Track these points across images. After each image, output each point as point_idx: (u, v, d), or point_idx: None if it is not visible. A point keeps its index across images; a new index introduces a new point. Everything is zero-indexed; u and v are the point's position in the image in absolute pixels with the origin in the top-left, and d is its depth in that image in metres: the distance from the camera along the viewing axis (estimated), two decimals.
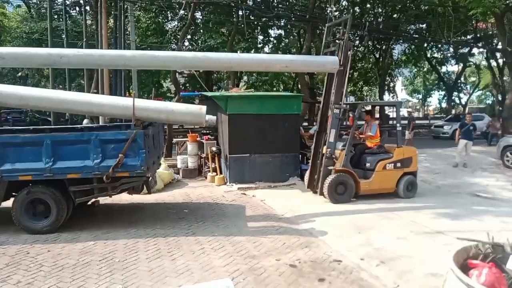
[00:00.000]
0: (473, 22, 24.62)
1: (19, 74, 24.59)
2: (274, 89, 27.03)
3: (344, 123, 12.69)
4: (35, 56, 6.89)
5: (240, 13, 18.58)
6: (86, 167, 6.34)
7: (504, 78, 29.34)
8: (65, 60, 6.79)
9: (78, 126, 7.35)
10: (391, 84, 36.07)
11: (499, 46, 23.83)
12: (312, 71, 9.26)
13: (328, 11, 20.86)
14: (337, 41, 8.82)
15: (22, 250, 5.79)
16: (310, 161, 9.36)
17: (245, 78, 29.35)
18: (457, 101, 37.75)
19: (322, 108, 9.24)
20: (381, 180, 8.77)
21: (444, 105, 39.88)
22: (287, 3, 22.01)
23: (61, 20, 19.63)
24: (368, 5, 25.09)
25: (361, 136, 9.35)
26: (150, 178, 7.16)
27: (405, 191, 8.87)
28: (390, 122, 21.64)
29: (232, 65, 8.07)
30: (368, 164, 8.86)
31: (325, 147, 8.73)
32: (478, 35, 27.92)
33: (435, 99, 45.28)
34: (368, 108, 10.62)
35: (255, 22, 20.94)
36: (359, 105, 9.37)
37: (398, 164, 8.85)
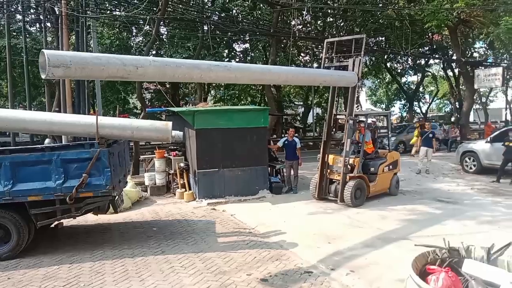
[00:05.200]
0: (429, 35, 25.84)
1: None
2: (242, 102, 27.13)
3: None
4: (107, 65, 5.35)
5: (205, 28, 18.67)
6: (48, 189, 6.13)
7: (461, 87, 30.85)
8: (141, 71, 5.61)
9: (39, 146, 7.08)
10: (355, 95, 37.07)
11: (454, 57, 25.09)
12: (341, 85, 9.57)
13: (292, 25, 21.36)
14: (347, 58, 9.40)
15: None
16: (318, 170, 9.66)
17: (212, 92, 29.32)
18: (418, 110, 39.19)
19: (328, 119, 9.82)
20: (382, 182, 9.76)
21: (405, 114, 41.26)
22: (252, 18, 22.34)
23: (20, 37, 18.98)
24: (331, 19, 25.85)
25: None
26: (116, 197, 6.99)
27: (396, 189, 10.24)
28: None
29: (288, 78, 8.11)
30: (372, 169, 9.66)
31: (332, 156, 9.49)
32: (434, 47, 29.30)
33: (398, 109, 46.79)
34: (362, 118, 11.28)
35: (221, 37, 21.07)
36: (367, 116, 10.25)
37: (391, 167, 10.04)
